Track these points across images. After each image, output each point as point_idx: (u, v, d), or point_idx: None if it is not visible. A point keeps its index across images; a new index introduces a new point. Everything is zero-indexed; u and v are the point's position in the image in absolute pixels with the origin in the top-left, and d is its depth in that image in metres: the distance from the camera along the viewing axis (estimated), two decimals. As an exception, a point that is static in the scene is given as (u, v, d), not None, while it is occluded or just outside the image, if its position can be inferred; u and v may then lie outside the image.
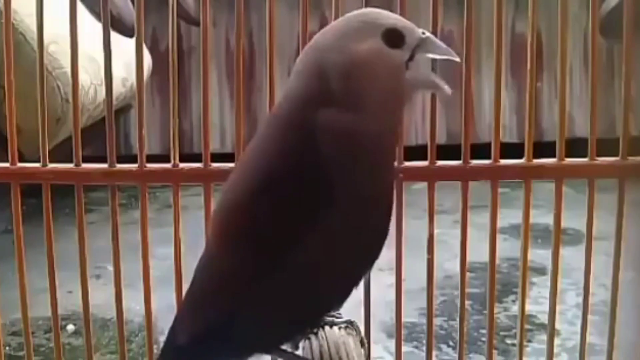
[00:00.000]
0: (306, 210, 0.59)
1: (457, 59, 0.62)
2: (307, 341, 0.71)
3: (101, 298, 1.05)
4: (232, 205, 0.63)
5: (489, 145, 0.87)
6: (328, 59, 0.60)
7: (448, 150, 0.91)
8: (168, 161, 0.87)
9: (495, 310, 0.90)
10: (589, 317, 0.89)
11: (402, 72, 0.61)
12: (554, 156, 0.87)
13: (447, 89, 0.62)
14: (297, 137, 0.60)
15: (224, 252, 0.63)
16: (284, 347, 0.68)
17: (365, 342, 0.76)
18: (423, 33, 0.62)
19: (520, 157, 0.87)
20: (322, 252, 0.60)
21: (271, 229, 0.61)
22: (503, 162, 0.87)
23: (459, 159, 0.87)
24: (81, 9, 0.98)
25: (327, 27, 0.63)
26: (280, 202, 0.60)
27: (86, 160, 0.87)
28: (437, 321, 1.43)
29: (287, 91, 0.63)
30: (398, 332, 0.89)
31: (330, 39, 0.61)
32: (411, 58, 0.61)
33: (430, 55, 0.62)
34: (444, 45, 0.62)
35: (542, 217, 1.08)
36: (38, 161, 0.88)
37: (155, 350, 0.92)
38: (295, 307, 0.62)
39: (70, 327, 1.43)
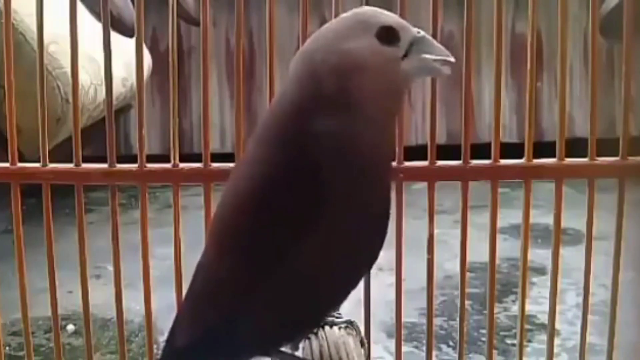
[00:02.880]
0: (303, 215, 0.59)
1: (452, 60, 0.61)
2: (307, 341, 0.71)
3: (101, 298, 1.05)
4: (230, 210, 0.63)
5: (489, 145, 0.87)
6: (320, 60, 0.59)
7: (448, 150, 0.91)
8: (168, 161, 0.87)
9: (495, 310, 0.90)
10: (589, 317, 0.89)
11: (398, 66, 0.60)
12: (554, 156, 0.87)
13: (445, 70, 0.61)
14: (292, 142, 0.59)
15: (222, 256, 0.63)
16: (283, 348, 0.68)
17: (365, 342, 0.76)
18: (418, 32, 0.61)
19: (520, 157, 0.87)
20: (319, 256, 0.60)
21: (269, 233, 0.60)
22: (503, 162, 0.87)
23: (459, 159, 0.87)
24: (81, 9, 0.98)
25: (317, 31, 0.62)
26: (277, 207, 0.60)
27: (86, 160, 0.87)
28: (437, 321, 1.43)
29: (281, 96, 0.62)
30: (398, 332, 0.89)
31: (322, 41, 0.60)
32: (406, 55, 0.60)
33: (426, 56, 0.61)
34: (439, 45, 0.61)
35: (542, 217, 1.08)
36: (38, 161, 0.88)
37: (155, 350, 0.92)
38: (294, 310, 0.62)
39: (70, 327, 1.43)
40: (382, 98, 0.60)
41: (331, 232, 0.59)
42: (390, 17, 0.61)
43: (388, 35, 0.60)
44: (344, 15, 0.62)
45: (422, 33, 0.61)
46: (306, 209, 0.59)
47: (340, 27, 0.61)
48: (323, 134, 0.58)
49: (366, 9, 0.63)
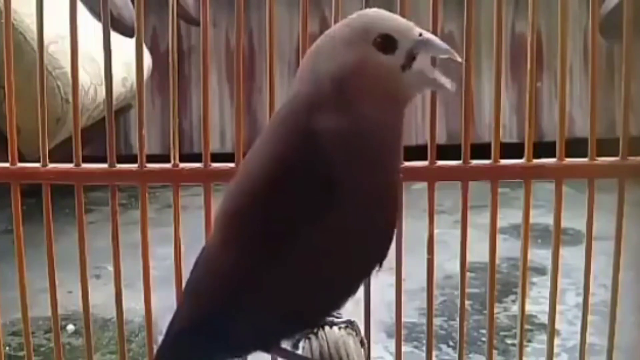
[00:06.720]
0: (309, 210, 0.60)
1: (458, 58, 0.62)
2: (307, 341, 0.71)
3: (101, 298, 1.05)
4: (238, 203, 0.64)
5: (489, 145, 0.86)
6: (321, 66, 0.61)
7: (448, 150, 0.91)
8: (168, 161, 0.87)
9: (495, 310, 0.90)
10: (589, 317, 0.89)
11: (396, 75, 0.60)
12: (554, 156, 0.87)
13: (449, 86, 0.62)
14: (298, 138, 0.61)
15: (227, 244, 0.64)
16: (284, 346, 0.68)
17: (365, 342, 0.76)
18: (420, 34, 0.61)
19: (520, 157, 0.87)
20: (324, 252, 0.60)
21: (275, 227, 0.61)
22: (503, 162, 0.87)
23: (459, 159, 0.87)
24: (81, 9, 0.98)
25: (325, 33, 0.63)
26: (284, 202, 0.61)
27: (86, 160, 0.87)
28: (437, 321, 1.43)
29: (289, 95, 0.64)
30: (398, 332, 0.89)
31: (324, 46, 0.62)
32: (413, 59, 0.60)
33: (431, 54, 0.61)
34: (444, 45, 0.61)
35: (542, 217, 1.08)
36: (38, 161, 0.88)
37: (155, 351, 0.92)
38: (301, 303, 0.63)
39: (70, 327, 1.43)
40: (380, 103, 0.60)
41: (337, 228, 0.60)
42: (390, 23, 0.61)
43: (385, 43, 0.60)
44: (349, 18, 0.63)
45: (425, 35, 0.61)
46: (312, 204, 0.60)
47: (342, 33, 0.61)
48: (326, 129, 0.60)
49: (369, 13, 0.62)
